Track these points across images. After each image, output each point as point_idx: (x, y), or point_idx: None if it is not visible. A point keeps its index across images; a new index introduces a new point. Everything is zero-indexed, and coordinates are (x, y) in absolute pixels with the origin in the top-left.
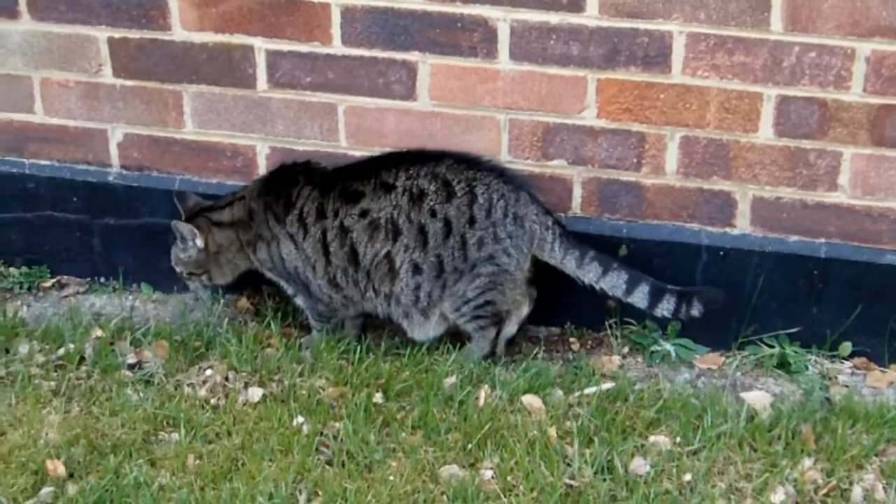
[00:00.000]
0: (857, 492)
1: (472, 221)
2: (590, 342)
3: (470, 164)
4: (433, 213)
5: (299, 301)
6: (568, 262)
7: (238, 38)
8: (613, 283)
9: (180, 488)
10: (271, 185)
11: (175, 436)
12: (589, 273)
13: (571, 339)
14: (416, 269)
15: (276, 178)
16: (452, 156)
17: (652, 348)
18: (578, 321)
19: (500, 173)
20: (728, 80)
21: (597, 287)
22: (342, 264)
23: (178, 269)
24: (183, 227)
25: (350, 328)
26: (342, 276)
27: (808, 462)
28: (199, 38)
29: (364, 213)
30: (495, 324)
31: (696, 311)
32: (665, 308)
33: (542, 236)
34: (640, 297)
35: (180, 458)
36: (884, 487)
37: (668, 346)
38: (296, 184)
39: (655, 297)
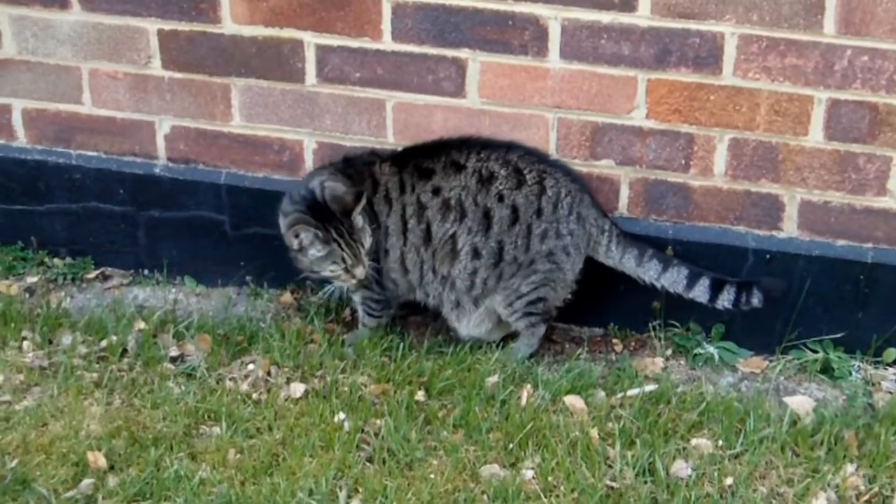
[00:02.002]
0: None
1: (539, 213)
2: (633, 344)
3: (539, 157)
4: (500, 198)
5: (357, 294)
6: (627, 261)
7: (288, 32)
8: (674, 279)
9: (221, 482)
10: (351, 169)
11: (216, 430)
12: (649, 271)
13: (615, 341)
14: (476, 254)
15: (353, 164)
16: (522, 147)
17: (695, 351)
18: (622, 322)
19: (567, 172)
20: (779, 83)
21: (657, 285)
22: (417, 242)
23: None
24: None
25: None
26: (413, 256)
27: (850, 468)
28: (248, 31)
29: (436, 191)
30: (545, 321)
31: (756, 301)
32: (726, 300)
33: (597, 240)
34: (701, 291)
35: (221, 453)
36: None
37: (711, 349)
38: (373, 163)
39: (716, 290)
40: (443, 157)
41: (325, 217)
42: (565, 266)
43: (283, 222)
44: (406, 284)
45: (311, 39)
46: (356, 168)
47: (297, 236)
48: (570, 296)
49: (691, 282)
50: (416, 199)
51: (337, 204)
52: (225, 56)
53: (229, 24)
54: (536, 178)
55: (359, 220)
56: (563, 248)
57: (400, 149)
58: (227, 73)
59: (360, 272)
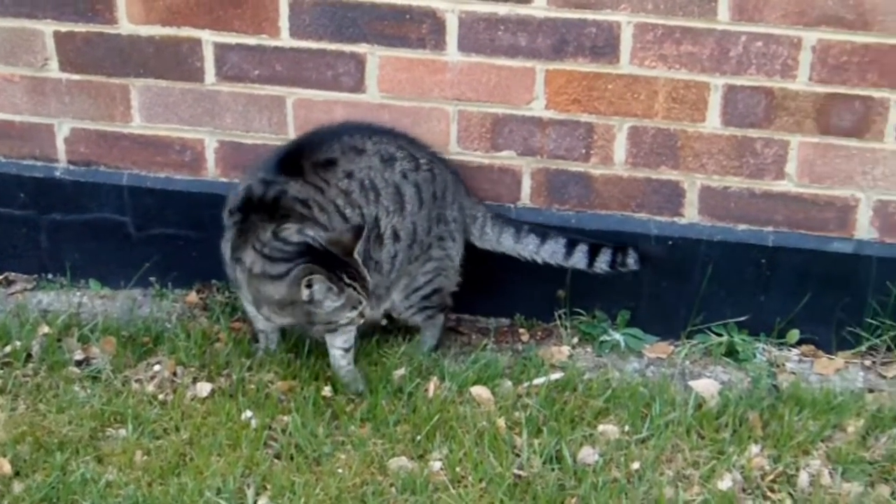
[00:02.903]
0: (803, 477)
1: (434, 196)
2: (539, 333)
3: (422, 146)
4: (405, 176)
5: None
6: (505, 240)
7: (185, 32)
8: (553, 249)
9: (127, 484)
10: (279, 210)
11: (122, 432)
12: (528, 246)
13: (521, 330)
14: (396, 236)
15: (266, 204)
16: (405, 135)
17: (601, 338)
18: (528, 312)
19: (445, 162)
20: (676, 70)
21: (538, 258)
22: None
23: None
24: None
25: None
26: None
27: (755, 449)
28: (145, 31)
29: (349, 175)
30: (442, 310)
31: (632, 262)
32: (603, 262)
33: (469, 230)
34: (579, 258)
35: (128, 455)
36: (830, 473)
37: (617, 336)
38: (284, 192)
39: (593, 255)
40: (337, 145)
41: (332, 264)
42: (452, 252)
43: (277, 285)
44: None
45: (208, 38)
46: (278, 206)
47: (309, 287)
48: (457, 287)
49: (570, 250)
50: (337, 189)
51: (337, 246)
52: (123, 57)
53: (126, 25)
54: (427, 165)
55: (357, 257)
56: (450, 234)
57: (276, 158)
58: (126, 73)
59: (368, 311)
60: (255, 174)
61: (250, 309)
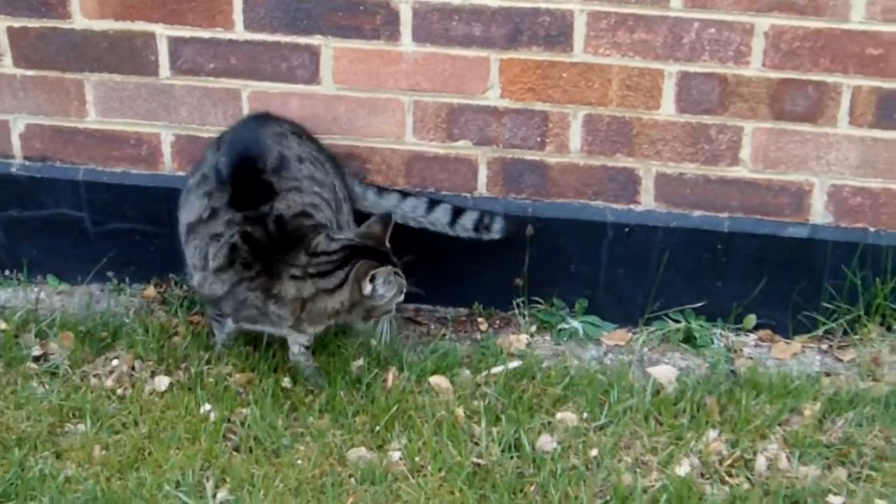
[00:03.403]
0: (761, 461)
1: (333, 165)
2: (498, 322)
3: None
4: (321, 150)
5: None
6: (370, 195)
7: (139, 26)
8: (413, 204)
9: (86, 479)
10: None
11: (81, 427)
12: (390, 201)
13: (479, 320)
14: (346, 198)
15: (278, 234)
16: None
17: (559, 326)
18: (486, 301)
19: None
20: (629, 58)
21: (399, 213)
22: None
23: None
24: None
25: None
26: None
27: (712, 434)
28: (99, 25)
29: (300, 158)
30: None
31: (497, 228)
32: (468, 222)
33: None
34: (441, 214)
35: (86, 450)
36: (787, 456)
37: (575, 324)
38: (271, 210)
39: (456, 214)
40: (269, 141)
41: (378, 256)
42: (347, 210)
43: (337, 294)
44: None
45: (162, 32)
46: (287, 231)
47: (372, 281)
48: None
49: (431, 207)
50: (307, 178)
51: (370, 239)
52: (77, 51)
53: (80, 19)
54: (318, 141)
55: (388, 245)
56: (345, 199)
57: (230, 192)
58: (80, 68)
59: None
60: (226, 218)
61: (228, 322)
